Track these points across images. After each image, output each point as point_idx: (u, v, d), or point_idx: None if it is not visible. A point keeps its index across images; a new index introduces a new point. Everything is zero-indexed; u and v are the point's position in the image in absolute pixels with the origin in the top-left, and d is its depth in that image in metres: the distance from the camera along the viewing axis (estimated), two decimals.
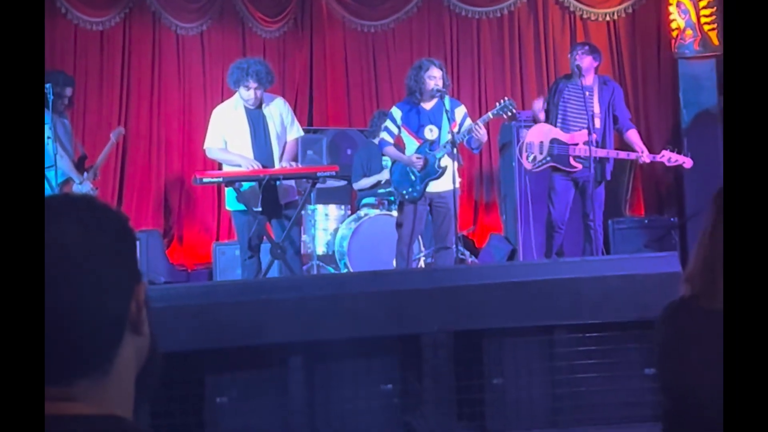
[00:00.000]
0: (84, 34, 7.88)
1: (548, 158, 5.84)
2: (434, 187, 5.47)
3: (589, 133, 5.61)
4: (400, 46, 8.45)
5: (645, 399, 3.67)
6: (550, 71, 8.15)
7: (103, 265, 0.94)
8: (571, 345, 3.92)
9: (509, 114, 5.46)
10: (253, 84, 5.28)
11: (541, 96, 6.25)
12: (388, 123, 5.62)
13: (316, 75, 8.45)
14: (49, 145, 5.49)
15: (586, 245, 5.86)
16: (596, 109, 5.81)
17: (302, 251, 6.42)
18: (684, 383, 1.81)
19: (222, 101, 5.81)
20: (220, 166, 5.71)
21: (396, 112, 5.60)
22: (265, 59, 6.00)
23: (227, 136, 5.44)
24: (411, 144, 5.55)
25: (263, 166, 5.32)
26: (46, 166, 5.43)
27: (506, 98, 5.46)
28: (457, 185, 5.47)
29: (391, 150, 5.62)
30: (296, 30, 8.43)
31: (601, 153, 5.71)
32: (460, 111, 5.54)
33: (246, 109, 5.40)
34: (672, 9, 7.38)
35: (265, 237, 5.45)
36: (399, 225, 5.59)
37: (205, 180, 5.38)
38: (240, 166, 5.33)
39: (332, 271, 6.85)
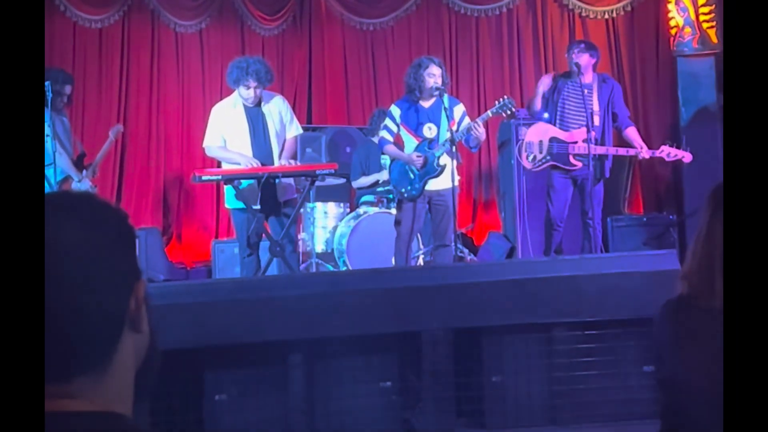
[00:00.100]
0: (83, 31, 7.88)
1: (548, 157, 5.84)
2: (433, 185, 5.47)
3: (588, 131, 5.61)
4: (398, 43, 8.44)
5: (644, 396, 3.68)
6: (549, 69, 8.13)
7: (103, 262, 0.94)
8: (570, 342, 3.93)
9: (508, 113, 5.47)
10: (252, 83, 5.28)
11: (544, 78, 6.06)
12: (388, 121, 5.62)
13: (315, 73, 8.45)
14: (48, 143, 5.49)
15: (585, 243, 5.86)
16: (595, 106, 5.81)
17: (301, 249, 6.43)
18: (682, 380, 1.81)
19: (221, 99, 5.81)
20: (219, 164, 5.71)
21: (395, 110, 5.60)
22: (264, 57, 6.00)
23: (226, 134, 5.44)
24: (410, 142, 5.55)
25: (262, 164, 5.32)
26: (45, 163, 5.43)
27: (505, 97, 5.46)
28: (456, 183, 5.47)
29: (391, 148, 5.62)
30: (295, 28, 8.42)
31: (600, 150, 5.71)
32: (459, 109, 5.54)
33: (245, 107, 5.40)
34: (671, 7, 7.38)
35: (264, 235, 5.46)
36: (398, 223, 5.59)
37: (204, 178, 5.39)
38: (239, 164, 5.33)
39: (331, 268, 6.86)
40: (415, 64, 5.56)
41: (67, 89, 6.24)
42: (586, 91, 5.73)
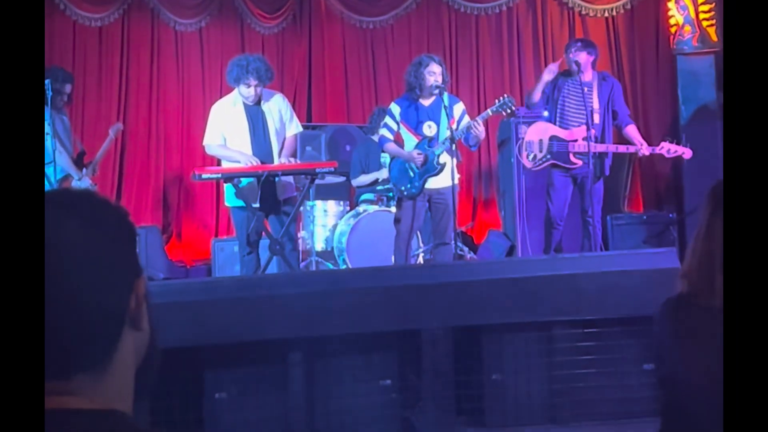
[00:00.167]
0: (83, 30, 7.88)
1: (548, 156, 5.84)
2: (433, 183, 5.47)
3: (588, 129, 5.61)
4: (398, 42, 8.44)
5: (643, 394, 3.68)
6: None
7: (103, 259, 0.94)
8: (570, 341, 3.93)
9: (508, 111, 5.46)
10: (253, 81, 5.28)
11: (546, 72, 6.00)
12: (388, 119, 5.62)
13: (314, 71, 8.45)
14: (48, 142, 5.49)
15: (585, 241, 5.86)
16: (595, 104, 5.80)
17: (301, 247, 6.43)
18: (682, 378, 1.82)
19: (221, 97, 5.80)
20: (219, 162, 5.71)
21: (395, 109, 5.60)
22: (264, 55, 6.00)
23: (226, 132, 5.44)
24: (409, 140, 5.55)
25: (262, 162, 5.32)
26: (45, 162, 5.43)
27: (505, 95, 5.45)
28: (456, 181, 5.47)
29: (391, 146, 5.62)
30: (295, 26, 8.42)
31: (600, 147, 5.71)
32: (459, 107, 5.54)
33: (245, 105, 5.40)
34: (671, 5, 7.38)
35: (263, 233, 5.45)
36: (398, 221, 5.59)
37: (204, 176, 5.39)
38: (239, 162, 5.33)
39: (331, 267, 6.86)
40: (415, 62, 5.55)
41: (67, 88, 6.24)
42: (585, 89, 5.73)
